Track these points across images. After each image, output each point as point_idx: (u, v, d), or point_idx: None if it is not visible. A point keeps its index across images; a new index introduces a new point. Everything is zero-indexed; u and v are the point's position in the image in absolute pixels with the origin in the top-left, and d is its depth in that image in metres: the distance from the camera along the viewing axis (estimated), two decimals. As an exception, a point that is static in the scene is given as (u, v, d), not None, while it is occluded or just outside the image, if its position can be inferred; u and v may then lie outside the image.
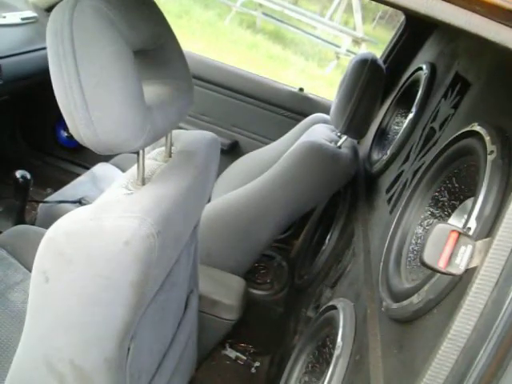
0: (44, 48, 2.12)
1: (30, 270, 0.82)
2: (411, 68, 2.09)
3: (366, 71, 1.74)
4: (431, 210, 1.13)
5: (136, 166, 0.93)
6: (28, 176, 1.99)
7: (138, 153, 0.91)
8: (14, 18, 2.13)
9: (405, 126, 1.67)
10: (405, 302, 0.94)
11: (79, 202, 1.92)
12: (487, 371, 0.68)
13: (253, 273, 2.10)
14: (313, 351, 1.40)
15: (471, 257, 0.74)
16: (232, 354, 2.10)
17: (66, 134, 2.80)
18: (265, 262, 2.22)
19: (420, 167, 1.29)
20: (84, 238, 0.79)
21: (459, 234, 0.74)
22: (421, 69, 1.79)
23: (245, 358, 2.10)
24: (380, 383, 0.94)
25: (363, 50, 8.32)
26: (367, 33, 10.08)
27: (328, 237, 1.96)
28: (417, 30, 2.28)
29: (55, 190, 2.10)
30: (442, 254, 0.73)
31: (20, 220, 2.07)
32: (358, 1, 9.41)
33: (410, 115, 1.66)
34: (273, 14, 9.74)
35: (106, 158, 2.23)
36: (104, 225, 0.79)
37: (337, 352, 1.15)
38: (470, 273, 0.75)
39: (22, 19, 2.18)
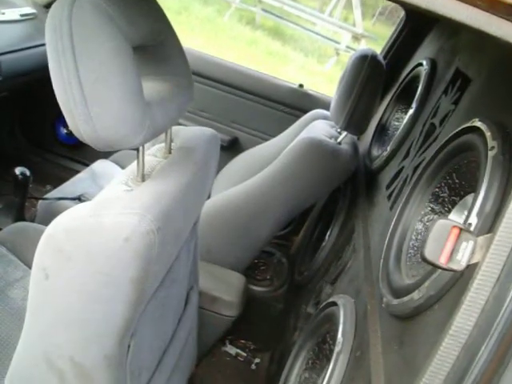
0: (43, 44, 2.10)
1: (30, 267, 0.82)
2: (411, 64, 2.09)
3: (366, 67, 1.74)
4: (431, 205, 1.12)
5: (136, 162, 0.92)
6: (27, 173, 1.98)
7: (137, 149, 0.90)
8: (12, 14, 2.13)
9: (405, 121, 1.67)
10: (405, 298, 0.93)
11: (79, 199, 1.91)
12: (489, 367, 0.68)
13: (253, 269, 2.10)
14: (313, 347, 1.40)
15: (472, 253, 0.74)
16: (232, 350, 2.10)
17: (65, 131, 2.80)
18: (265, 259, 2.22)
19: (420, 163, 1.29)
20: (84, 234, 0.79)
21: (461, 229, 0.74)
22: (421, 64, 1.79)
23: (245, 354, 2.11)
24: (381, 379, 0.94)
25: (363, 46, 8.30)
26: (367, 29, 10.05)
27: (328, 233, 1.96)
28: (417, 25, 2.27)
29: (55, 186, 2.10)
30: (443, 249, 0.73)
31: (19, 217, 2.07)
32: (357, -3, 9.40)
33: (410, 111, 1.66)
34: (272, 10, 9.72)
35: (106, 155, 2.22)
36: (104, 221, 0.78)
37: (337, 348, 1.15)
38: (471, 269, 0.74)
39: (21, 15, 2.17)
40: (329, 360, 1.16)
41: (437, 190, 1.11)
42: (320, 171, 1.77)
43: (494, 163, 0.85)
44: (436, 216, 1.11)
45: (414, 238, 1.12)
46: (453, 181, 1.07)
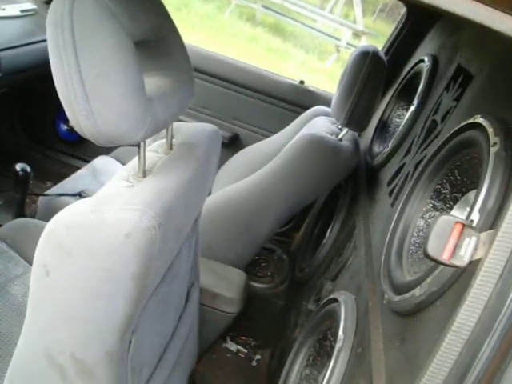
0: (43, 40, 2.11)
1: (31, 263, 0.82)
2: (413, 60, 2.08)
3: (367, 63, 1.73)
4: (433, 202, 1.12)
5: (136, 158, 0.92)
6: (28, 169, 1.98)
7: (138, 145, 0.90)
8: (13, 10, 2.13)
9: (406, 118, 1.66)
10: (407, 295, 0.93)
11: (79, 195, 1.91)
12: (491, 364, 0.68)
13: (253, 266, 2.10)
14: (314, 344, 1.40)
15: (475, 249, 0.74)
16: (233, 347, 2.10)
17: (65, 127, 2.80)
18: (265, 255, 2.22)
19: (422, 160, 1.28)
20: (84, 230, 0.78)
21: (463, 225, 0.73)
22: (422, 61, 1.78)
23: (246, 351, 2.11)
24: (382, 376, 0.94)
25: (363, 43, 8.29)
26: (367, 26, 10.04)
27: (329, 230, 1.96)
28: (418, 22, 2.26)
29: (55, 183, 2.10)
30: (446, 245, 0.73)
31: (20, 213, 2.07)
32: (358, -6, 9.39)
33: (412, 108, 1.66)
34: (272, 6, 9.69)
35: (106, 151, 2.22)
36: (105, 217, 0.78)
37: (338, 345, 1.14)
38: (473, 265, 0.74)
39: (22, 11, 2.17)
40: (330, 357, 1.16)
41: (438, 186, 1.11)
42: (321, 168, 1.76)
43: (496, 159, 0.84)
44: (438, 213, 1.11)
45: (415, 234, 1.12)
46: (455, 177, 1.07)
